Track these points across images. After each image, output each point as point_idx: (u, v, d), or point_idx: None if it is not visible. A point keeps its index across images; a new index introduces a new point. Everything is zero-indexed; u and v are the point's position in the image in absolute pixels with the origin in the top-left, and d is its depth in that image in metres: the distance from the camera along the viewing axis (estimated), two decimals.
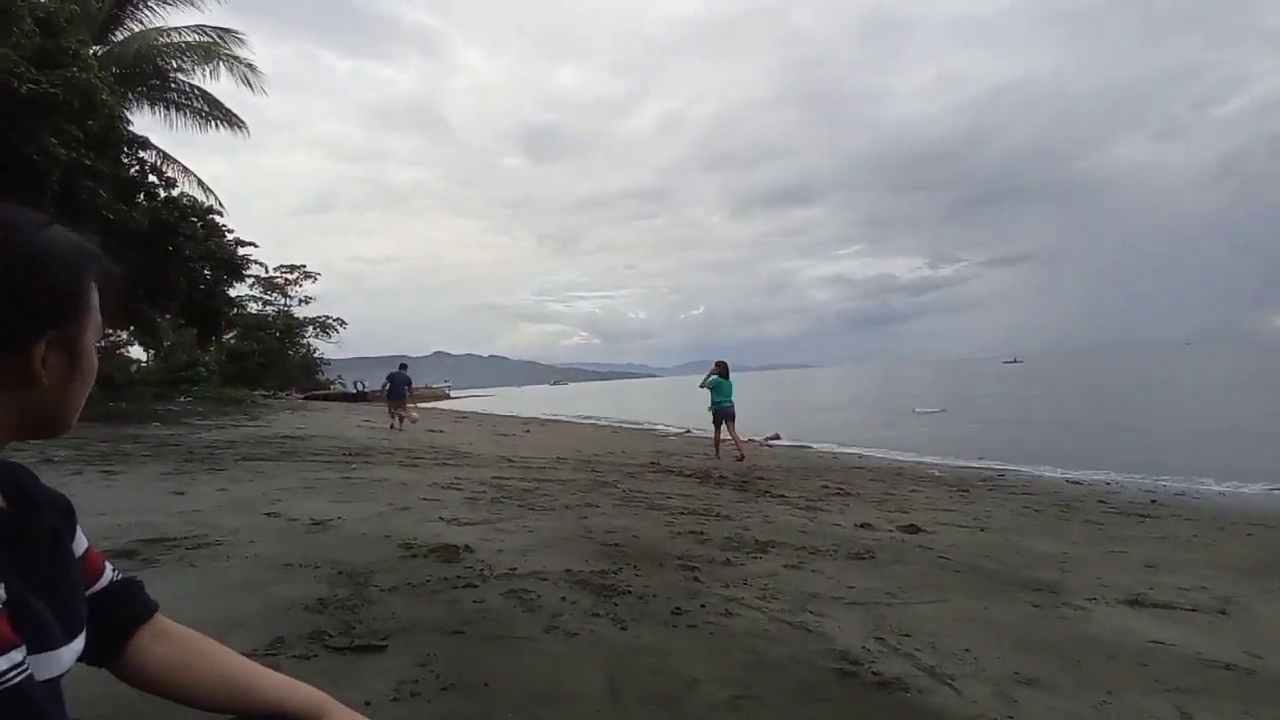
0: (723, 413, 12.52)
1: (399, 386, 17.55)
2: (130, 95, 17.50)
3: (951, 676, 2.68)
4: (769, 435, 18.92)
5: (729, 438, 12.43)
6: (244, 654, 2.53)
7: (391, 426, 16.54)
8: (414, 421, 17.54)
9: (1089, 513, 7.10)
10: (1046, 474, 11.03)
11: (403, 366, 18.47)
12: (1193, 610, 3.79)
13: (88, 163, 12.63)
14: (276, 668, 2.43)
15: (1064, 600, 3.85)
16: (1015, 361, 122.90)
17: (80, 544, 0.96)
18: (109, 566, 0.99)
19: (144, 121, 18.86)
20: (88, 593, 0.93)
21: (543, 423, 25.76)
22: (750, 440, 17.94)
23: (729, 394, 12.68)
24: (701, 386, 13.12)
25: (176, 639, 1.00)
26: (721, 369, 12.97)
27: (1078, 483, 9.92)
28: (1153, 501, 8.07)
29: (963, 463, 12.66)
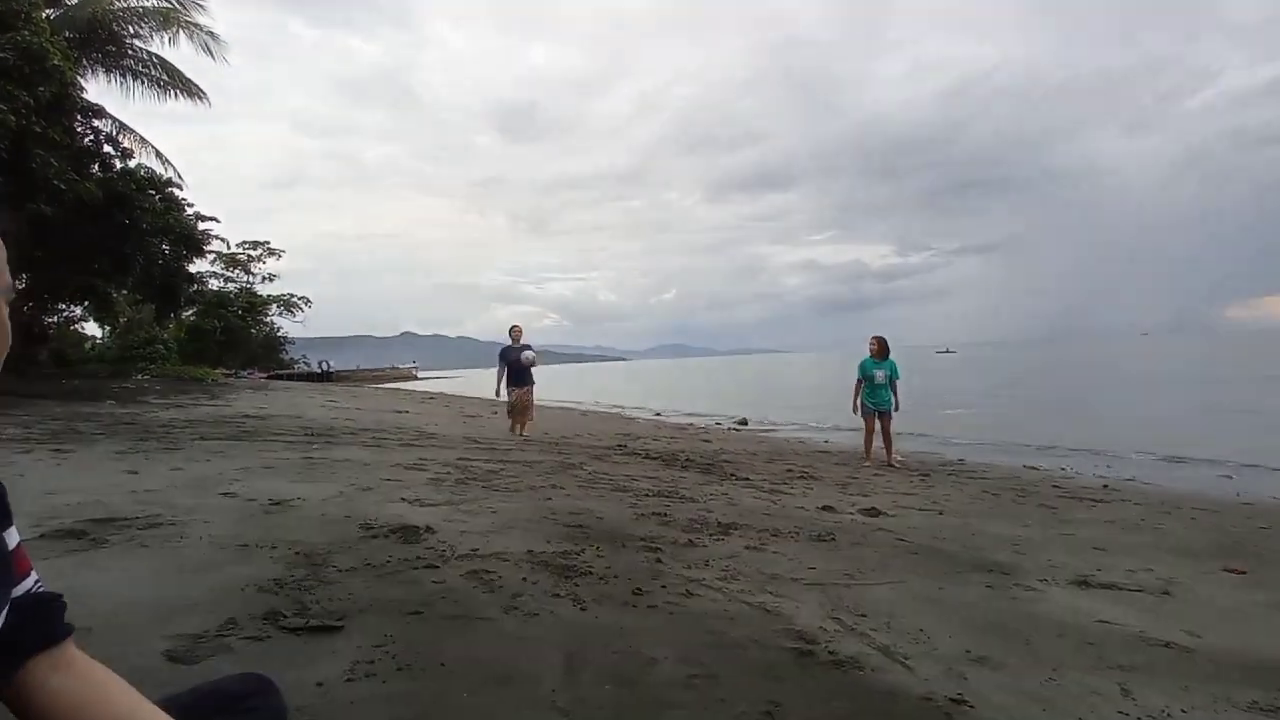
0: (875, 413, 9.98)
1: (523, 370, 11.43)
2: (84, 61, 16.89)
3: (905, 655, 2.73)
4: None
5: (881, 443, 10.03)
6: (194, 636, 2.49)
7: (514, 428, 11.53)
8: (523, 431, 11.39)
9: (1044, 497, 7.27)
10: (1003, 460, 11.26)
11: (514, 333, 11.62)
12: (1138, 591, 3.91)
13: (38, 130, 12.20)
14: (228, 649, 2.40)
15: (1016, 581, 3.94)
16: (948, 351, 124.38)
17: (12, 538, 0.88)
18: (33, 576, 0.90)
19: (99, 89, 18.19)
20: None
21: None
22: (717, 425, 18.08)
23: (883, 383, 9.87)
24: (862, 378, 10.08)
25: (80, 676, 0.89)
26: (878, 348, 10.01)
27: (1034, 468, 10.15)
28: (1105, 486, 8.29)
29: (925, 449, 12.86)
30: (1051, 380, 35.52)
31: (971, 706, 2.33)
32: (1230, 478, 9.43)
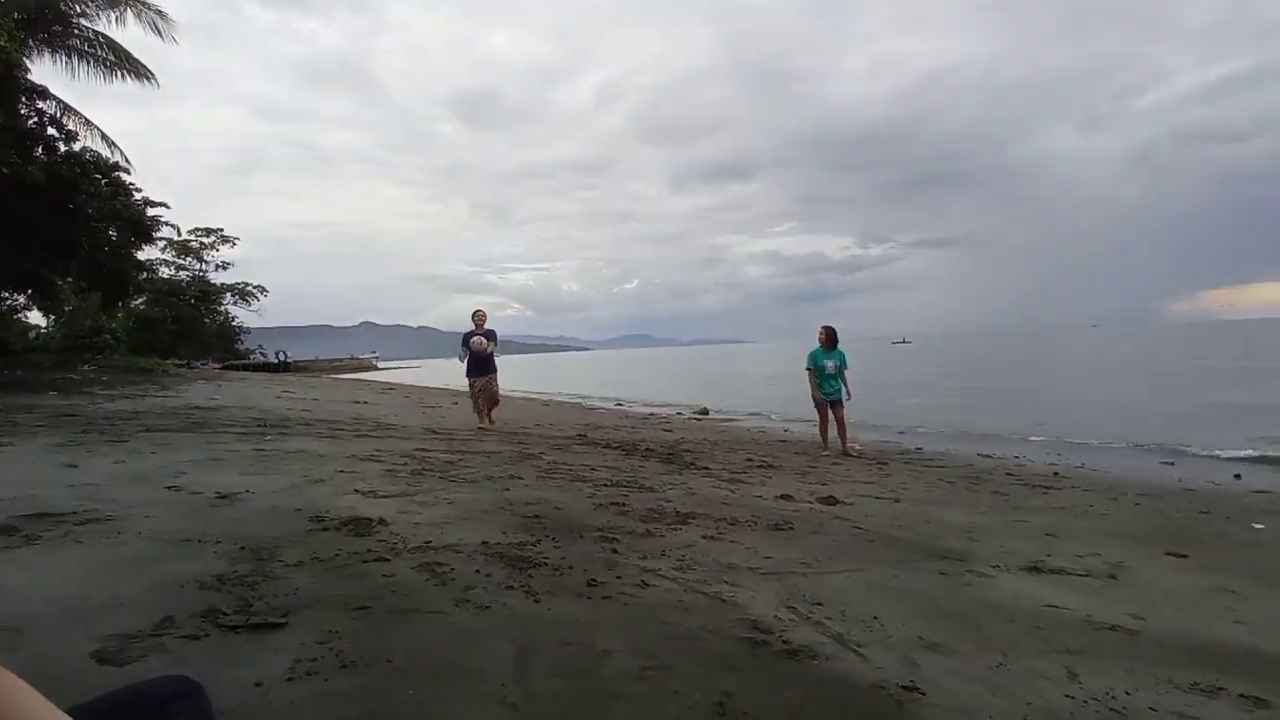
0: (828, 403, 10.02)
1: (485, 359, 11.02)
2: (30, 42, 16.21)
3: (858, 643, 2.74)
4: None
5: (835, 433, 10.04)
6: (126, 635, 2.38)
7: (481, 426, 10.89)
8: (490, 420, 11.16)
9: (997, 484, 7.41)
10: (960, 449, 11.46)
11: (478, 319, 10.95)
12: (1085, 575, 3.99)
13: None
14: (162, 649, 2.30)
15: (970, 568, 4.00)
16: (904, 342, 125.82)
17: None
18: None
19: (43, 70, 17.52)
20: None
21: None
22: (678, 415, 18.12)
23: (833, 373, 9.91)
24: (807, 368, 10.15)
25: None
26: (825, 337, 10.11)
27: (988, 455, 10.35)
28: (1055, 473, 8.48)
29: (883, 438, 13.03)
30: (1005, 370, 36.34)
31: (923, 693, 2.34)
32: (1172, 464, 9.72)
